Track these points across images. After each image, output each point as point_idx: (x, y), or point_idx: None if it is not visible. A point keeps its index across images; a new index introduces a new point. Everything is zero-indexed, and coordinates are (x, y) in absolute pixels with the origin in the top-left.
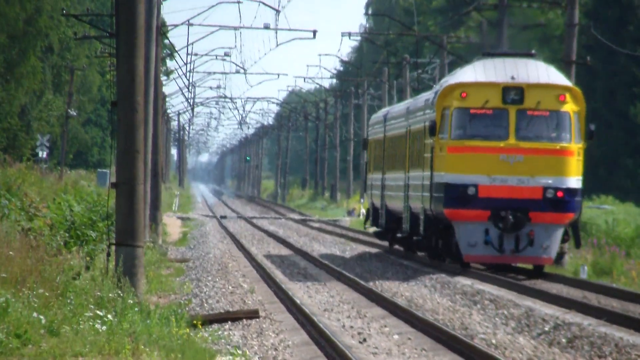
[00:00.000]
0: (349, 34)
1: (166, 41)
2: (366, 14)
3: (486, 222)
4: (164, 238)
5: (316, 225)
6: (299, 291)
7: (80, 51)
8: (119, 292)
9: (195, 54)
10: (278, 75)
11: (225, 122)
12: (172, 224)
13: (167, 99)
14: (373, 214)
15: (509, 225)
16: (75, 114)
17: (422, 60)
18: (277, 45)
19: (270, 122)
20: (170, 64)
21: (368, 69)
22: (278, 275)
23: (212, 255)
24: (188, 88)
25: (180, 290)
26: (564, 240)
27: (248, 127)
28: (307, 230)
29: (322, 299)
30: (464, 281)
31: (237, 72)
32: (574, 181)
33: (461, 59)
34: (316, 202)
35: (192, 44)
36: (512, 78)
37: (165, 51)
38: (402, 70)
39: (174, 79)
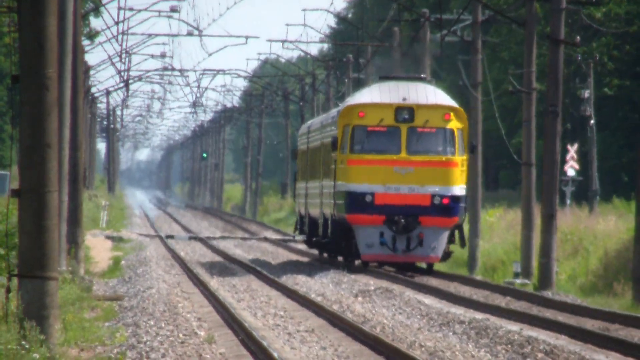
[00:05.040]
0: None
1: None
2: None
3: (381, 225)
4: (87, 267)
5: (301, 246)
6: (276, 340)
7: None
8: (23, 342)
9: (130, 9)
10: (246, 38)
11: (173, 103)
12: (98, 247)
13: (91, 72)
14: (300, 222)
15: (401, 228)
16: None
17: (447, 17)
18: None
19: (236, 104)
20: (95, 22)
21: (373, 29)
22: (247, 317)
23: (155, 291)
24: (120, 56)
25: (111, 339)
26: (450, 242)
27: (205, 111)
28: (288, 254)
29: (310, 351)
30: (509, 326)
31: (189, 34)
32: (458, 189)
33: (502, 16)
34: None
35: None
36: (404, 99)
37: (87, 5)
38: (421, 31)
39: (100, 43)
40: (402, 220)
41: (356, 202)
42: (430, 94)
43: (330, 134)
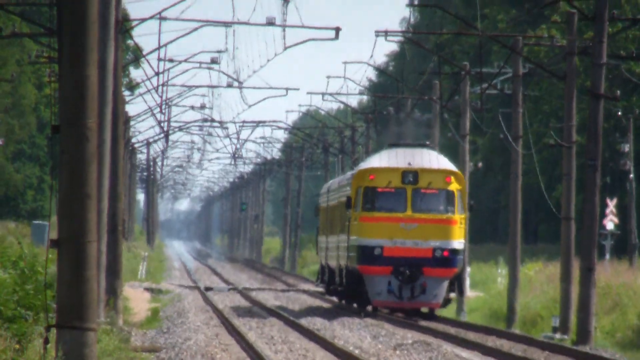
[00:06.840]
0: (386, 33)
1: (130, 41)
2: (410, 4)
3: (389, 275)
4: (126, 318)
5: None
6: None
7: (7, 54)
8: None
9: (171, 60)
10: (286, 90)
11: (213, 155)
12: (137, 298)
13: (131, 123)
14: (321, 272)
15: (407, 277)
16: (0, 142)
17: (488, 70)
18: (285, 48)
19: (276, 156)
20: (135, 73)
21: (412, 82)
22: None
23: (193, 342)
24: (161, 107)
25: None
26: (450, 290)
27: (244, 163)
28: (325, 305)
29: None
30: None
31: (229, 85)
32: (457, 243)
33: (543, 69)
34: None
35: (166, 45)
36: (409, 164)
37: (128, 55)
38: (461, 83)
39: (140, 94)
40: (407, 271)
41: (367, 254)
42: (433, 159)
43: (345, 194)
